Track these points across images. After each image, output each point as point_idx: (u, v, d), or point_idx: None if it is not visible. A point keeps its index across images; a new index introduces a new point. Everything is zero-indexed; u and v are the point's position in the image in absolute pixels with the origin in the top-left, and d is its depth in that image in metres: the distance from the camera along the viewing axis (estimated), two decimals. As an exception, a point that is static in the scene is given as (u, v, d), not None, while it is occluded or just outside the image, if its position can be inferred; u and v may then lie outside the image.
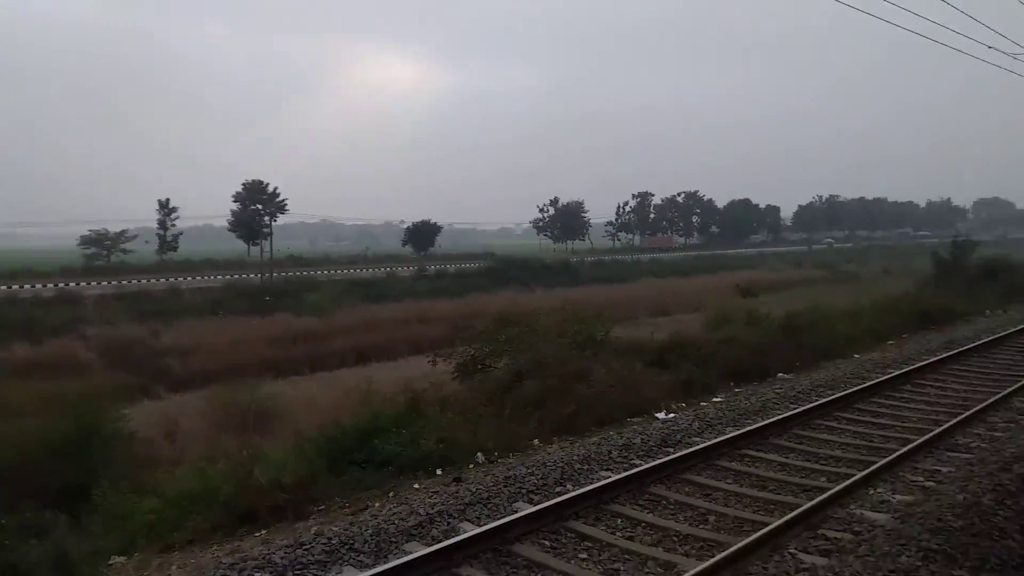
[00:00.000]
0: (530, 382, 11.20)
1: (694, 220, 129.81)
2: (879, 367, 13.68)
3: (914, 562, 5.54)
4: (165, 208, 71.95)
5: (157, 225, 71.76)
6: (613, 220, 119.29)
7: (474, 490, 7.36)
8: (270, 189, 76.30)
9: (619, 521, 6.72)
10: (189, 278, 53.52)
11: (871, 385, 11.73)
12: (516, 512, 6.60)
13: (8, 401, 12.82)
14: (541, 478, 7.71)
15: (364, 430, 9.20)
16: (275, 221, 78.84)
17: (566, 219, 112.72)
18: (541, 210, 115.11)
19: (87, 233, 69.69)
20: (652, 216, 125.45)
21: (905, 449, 8.32)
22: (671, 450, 8.63)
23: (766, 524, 6.31)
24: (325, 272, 59.30)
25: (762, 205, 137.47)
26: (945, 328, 19.34)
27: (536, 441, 9.69)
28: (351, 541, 6.14)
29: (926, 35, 15.84)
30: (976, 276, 28.93)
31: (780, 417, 9.82)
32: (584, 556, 6.04)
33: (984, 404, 10.34)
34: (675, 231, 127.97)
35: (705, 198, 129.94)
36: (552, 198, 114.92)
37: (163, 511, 7.41)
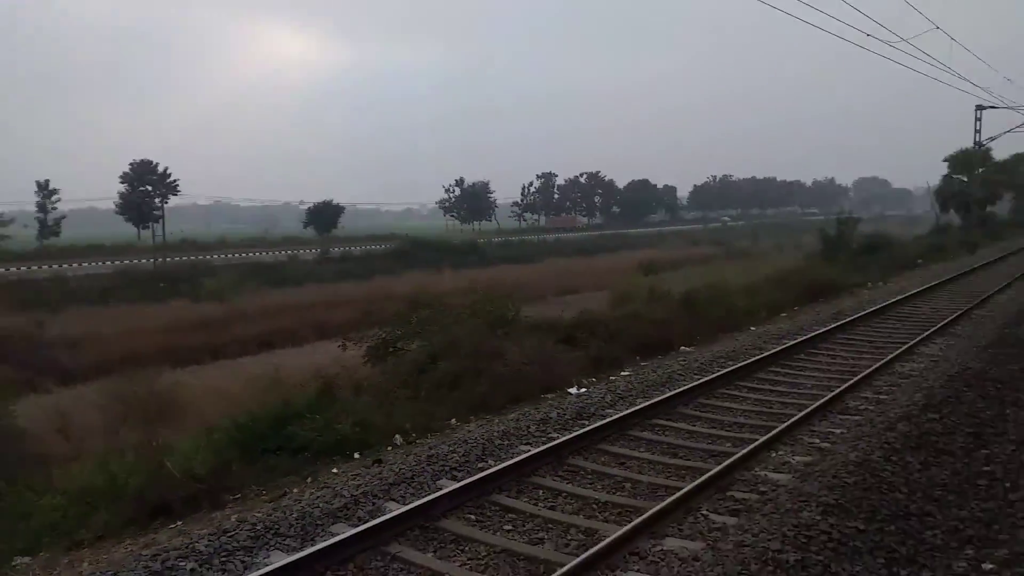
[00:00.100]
0: (444, 363, 11.27)
1: (596, 201, 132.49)
2: (775, 338, 14.44)
3: (814, 516, 5.98)
4: (44, 190, 67.32)
5: (36, 208, 67.05)
6: (519, 201, 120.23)
7: (397, 470, 7.40)
8: (160, 169, 72.60)
9: (541, 492, 6.92)
10: (75, 264, 50.36)
11: (768, 355, 12.39)
12: (440, 489, 6.68)
13: None
14: (463, 455, 7.83)
15: (276, 417, 9.02)
16: (166, 203, 75.22)
17: (472, 200, 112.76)
18: (447, 191, 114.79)
19: (-47, 218, 64.43)
20: (556, 197, 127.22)
21: (802, 414, 8.89)
22: (586, 422, 8.90)
23: (679, 488, 6.64)
24: (223, 256, 57.21)
25: (660, 186, 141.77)
26: (833, 300, 20.59)
27: (453, 421, 9.77)
28: (276, 526, 6.08)
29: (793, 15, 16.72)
30: (859, 251, 30.98)
31: (686, 388, 10.26)
32: (509, 527, 6.20)
33: (870, 369, 11.14)
34: (579, 211, 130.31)
35: (606, 179, 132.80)
36: (458, 179, 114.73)
37: (67, 508, 7.07)
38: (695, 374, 11.50)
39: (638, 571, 5.34)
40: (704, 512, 6.34)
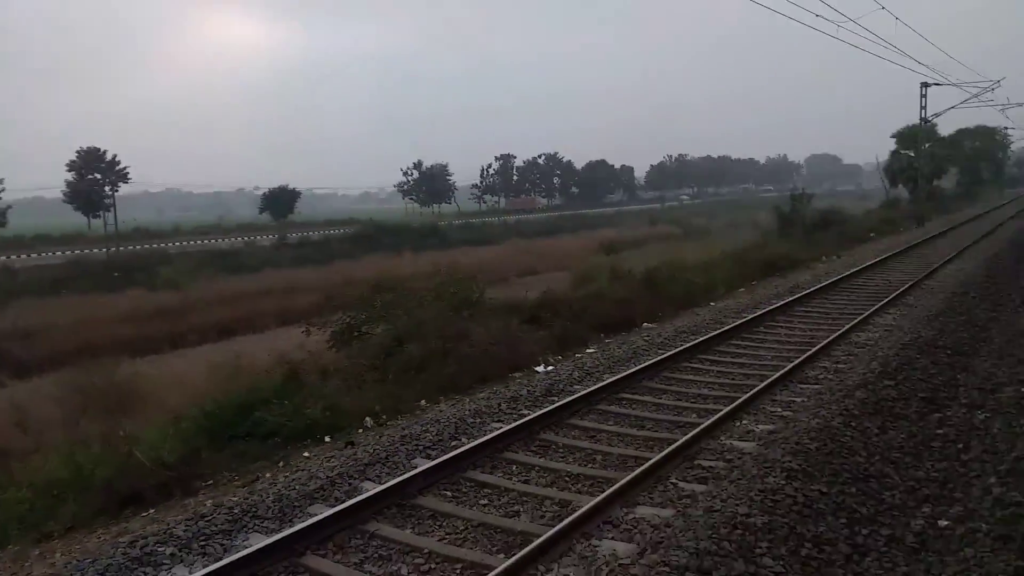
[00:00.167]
0: (412, 345, 11.30)
1: (555, 182, 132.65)
2: (734, 312, 14.75)
3: (779, 481, 6.19)
4: (-13, 179, 64.96)
5: (-22, 198, 64.72)
6: (478, 183, 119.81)
7: (371, 451, 7.44)
8: (108, 157, 70.59)
9: (514, 467, 7.03)
10: (23, 256, 48.82)
11: (729, 329, 12.66)
12: (415, 468, 6.75)
13: None
14: (436, 434, 7.90)
15: (243, 404, 8.98)
16: (117, 191, 73.26)
17: (431, 182, 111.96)
18: (405, 173, 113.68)
19: None
20: (516, 178, 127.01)
21: (764, 384, 9.14)
22: (555, 399, 9.03)
23: (648, 459, 6.79)
24: (178, 244, 56.02)
25: (617, 166, 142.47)
26: (789, 274, 21.06)
27: (423, 402, 9.82)
28: (253, 509, 6.09)
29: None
30: (813, 226, 31.70)
31: (651, 362, 10.45)
32: (485, 502, 6.30)
33: (828, 340, 11.47)
34: (538, 192, 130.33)
35: (564, 160, 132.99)
36: (416, 161, 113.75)
37: (33, 501, 6.97)
38: (659, 349, 11.70)
39: (612, 539, 5.48)
40: (673, 481, 6.52)
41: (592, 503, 5.82)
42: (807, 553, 5.21)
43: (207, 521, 5.89)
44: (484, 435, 7.60)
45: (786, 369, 9.83)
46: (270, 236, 62.64)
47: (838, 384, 9.13)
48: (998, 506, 5.89)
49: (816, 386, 9.28)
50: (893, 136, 59.93)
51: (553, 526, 5.51)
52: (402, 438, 7.80)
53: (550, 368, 11.10)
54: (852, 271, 19.70)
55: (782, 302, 15.18)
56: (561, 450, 7.49)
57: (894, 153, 60.55)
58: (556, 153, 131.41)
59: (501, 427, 7.86)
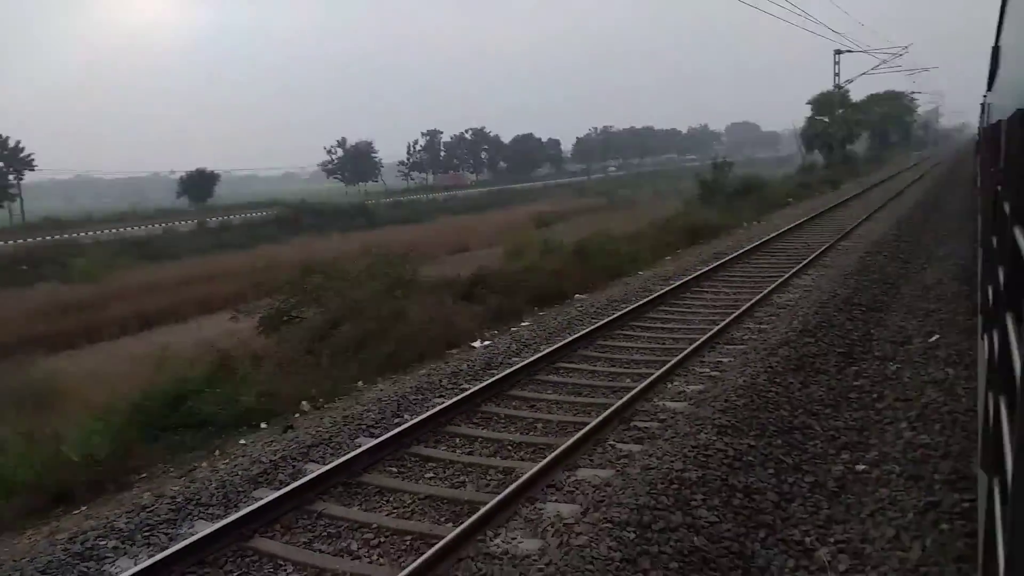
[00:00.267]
0: (347, 327, 11.22)
1: (483, 157, 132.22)
2: (662, 280, 15.13)
3: (711, 437, 6.50)
4: None
5: None
6: (405, 160, 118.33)
7: (313, 434, 7.42)
8: (11, 144, 66.67)
9: (458, 440, 7.15)
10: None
11: (657, 296, 13.01)
12: (359, 447, 6.78)
13: None
14: (378, 413, 7.93)
15: (173, 394, 8.80)
16: (22, 179, 69.36)
17: (356, 161, 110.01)
18: (329, 152, 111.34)
19: None
20: (443, 154, 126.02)
21: (692, 347, 9.48)
22: (495, 372, 9.16)
23: (586, 424, 7.01)
24: (91, 233, 53.51)
25: (544, 139, 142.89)
26: (712, 241, 21.68)
27: (360, 383, 9.79)
28: (196, 497, 6.03)
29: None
30: (734, 193, 32.63)
31: (585, 332, 10.68)
32: (431, 475, 6.40)
33: (751, 303, 11.94)
34: (466, 168, 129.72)
35: (491, 134, 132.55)
36: (340, 139, 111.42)
37: (-49, 507, 6.67)
38: (592, 319, 11.95)
39: (556, 501, 5.67)
40: (611, 443, 6.76)
41: (535, 469, 5.99)
42: (739, 503, 5.52)
43: (149, 512, 5.81)
44: (427, 411, 7.67)
45: (713, 332, 10.21)
46: (189, 222, 60.56)
47: (762, 343, 9.56)
48: (909, 449, 6.33)
49: (742, 346, 9.69)
50: (809, 103, 62.18)
51: (498, 493, 5.65)
52: (344, 419, 7.81)
53: (487, 343, 11.20)
54: (772, 235, 20.43)
55: (707, 268, 15.67)
56: (503, 421, 7.64)
57: (810, 119, 62.79)
58: (483, 128, 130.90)
59: (443, 402, 7.95)
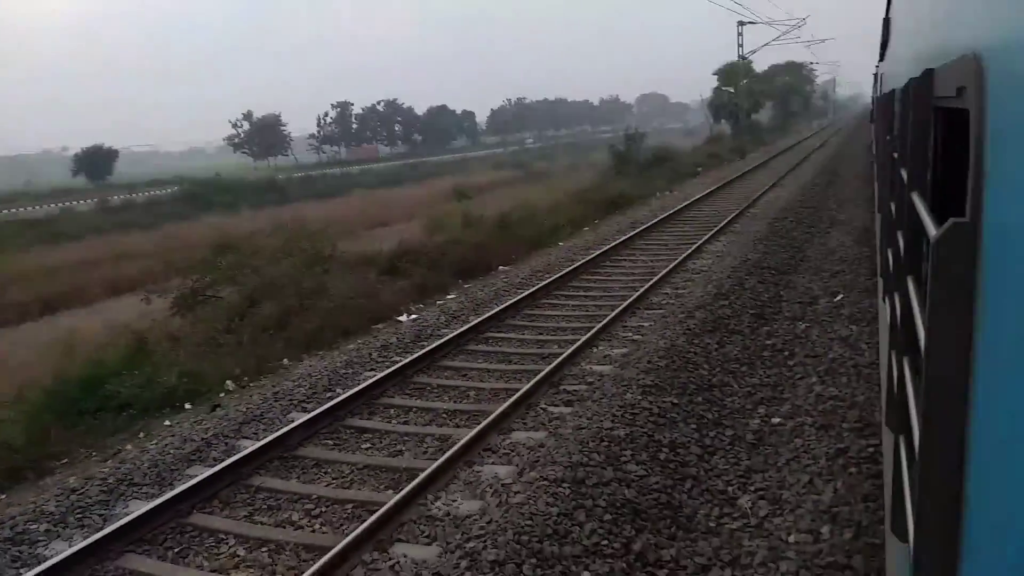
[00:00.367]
0: (267, 304, 11.08)
1: (397, 129, 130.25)
2: (582, 250, 15.48)
3: (636, 397, 6.82)
4: None
5: None
6: (316, 133, 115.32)
7: (243, 411, 7.37)
8: None
9: (392, 411, 7.24)
10: None
11: (579, 265, 13.33)
12: (293, 421, 6.78)
13: None
14: (309, 388, 7.93)
15: (90, 378, 8.54)
16: None
17: (264, 133, 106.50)
18: (235, 125, 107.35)
19: None
20: (355, 127, 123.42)
21: (615, 313, 9.83)
22: (425, 343, 9.24)
23: (518, 390, 7.23)
24: (-22, 215, 50.13)
25: (459, 111, 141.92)
26: (628, 211, 22.21)
27: (286, 360, 9.71)
28: (128, 477, 5.94)
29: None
30: (646, 164, 33.40)
31: (511, 302, 10.89)
32: (368, 446, 6.48)
33: (667, 269, 12.41)
34: (379, 141, 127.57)
35: (405, 106, 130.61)
36: (245, 111, 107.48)
37: None
38: (517, 289, 12.17)
39: (493, 463, 5.87)
40: (543, 406, 7.00)
41: (471, 434, 6.17)
42: (665, 457, 5.85)
43: (79, 495, 5.68)
44: (359, 384, 7.72)
45: (633, 298, 10.60)
46: (89, 201, 57.50)
47: (680, 307, 10.00)
48: (819, 401, 6.83)
49: (661, 311, 10.10)
50: (715, 73, 63.84)
51: (436, 459, 5.80)
52: (274, 395, 7.77)
53: (415, 316, 11.26)
54: (684, 204, 21.13)
55: (624, 237, 16.10)
56: (436, 390, 7.78)
57: (716, 90, 64.53)
58: (396, 99, 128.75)
59: (375, 375, 8.01)
